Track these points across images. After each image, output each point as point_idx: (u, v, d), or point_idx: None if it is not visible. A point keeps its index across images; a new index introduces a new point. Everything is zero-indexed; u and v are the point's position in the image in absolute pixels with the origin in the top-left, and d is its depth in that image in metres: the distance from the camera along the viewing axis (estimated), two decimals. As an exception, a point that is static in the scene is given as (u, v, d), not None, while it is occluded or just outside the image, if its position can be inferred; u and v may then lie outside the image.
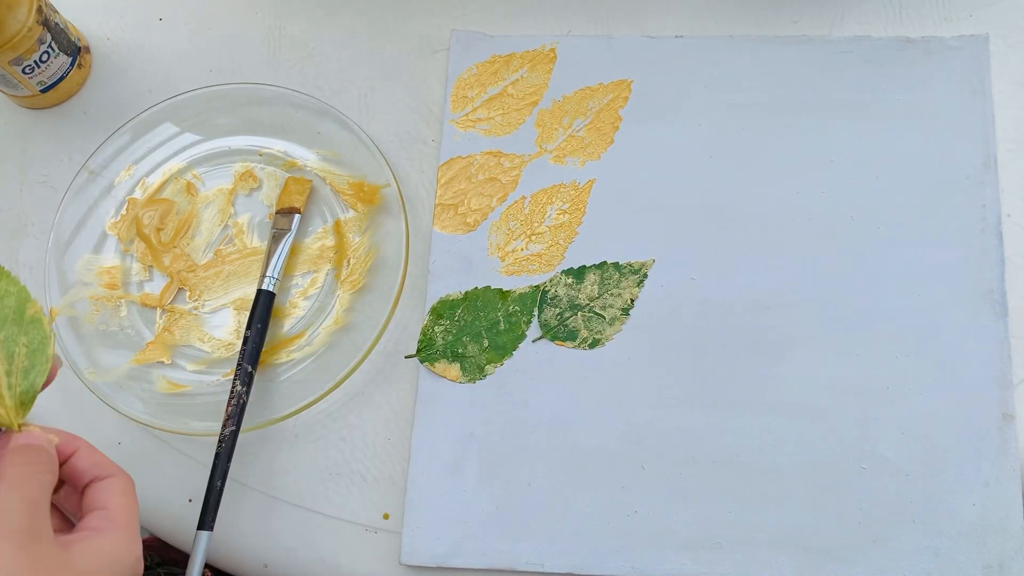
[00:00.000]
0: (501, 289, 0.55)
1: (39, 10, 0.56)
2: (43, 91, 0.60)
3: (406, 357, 0.54)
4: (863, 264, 0.53)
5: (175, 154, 0.59)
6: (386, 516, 0.52)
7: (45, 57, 0.58)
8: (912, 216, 0.54)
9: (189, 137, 0.59)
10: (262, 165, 0.59)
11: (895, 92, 0.56)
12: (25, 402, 0.39)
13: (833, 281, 0.53)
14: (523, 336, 0.54)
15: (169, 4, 0.63)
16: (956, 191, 0.54)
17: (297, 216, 0.56)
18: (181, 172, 0.59)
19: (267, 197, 0.58)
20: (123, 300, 0.57)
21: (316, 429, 0.54)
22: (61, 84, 0.60)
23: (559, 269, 0.55)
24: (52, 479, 0.37)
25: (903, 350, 0.52)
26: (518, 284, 0.55)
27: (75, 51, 0.60)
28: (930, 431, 0.50)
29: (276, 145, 0.59)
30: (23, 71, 0.57)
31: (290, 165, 0.58)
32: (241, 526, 0.53)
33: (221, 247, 0.58)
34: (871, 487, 0.50)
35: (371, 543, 0.52)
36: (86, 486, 0.39)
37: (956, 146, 0.55)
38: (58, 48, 0.58)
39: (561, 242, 0.56)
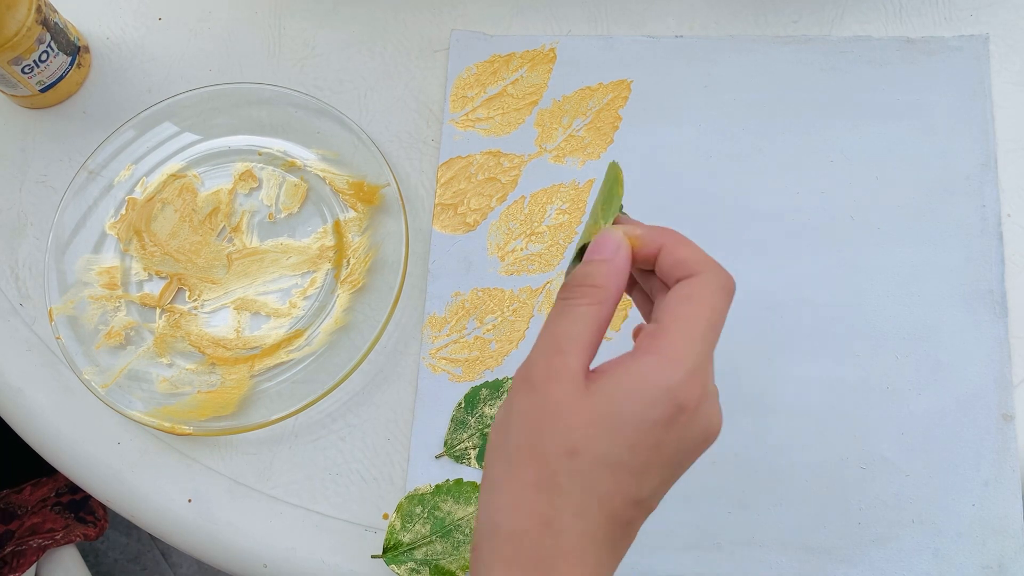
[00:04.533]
0: (474, 482, 0.52)
1: (38, 10, 0.56)
2: (42, 91, 0.60)
3: (372, 557, 0.51)
4: (863, 264, 0.53)
5: (175, 154, 0.59)
6: (386, 516, 0.52)
7: (44, 57, 0.57)
8: (912, 216, 0.54)
9: (189, 137, 0.59)
10: (262, 165, 0.59)
11: (895, 92, 0.56)
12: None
13: (833, 281, 0.53)
14: None
15: (169, 4, 0.63)
16: (956, 191, 0.54)
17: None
18: (181, 172, 0.59)
19: (267, 197, 0.58)
20: (123, 300, 0.57)
21: (316, 429, 0.54)
22: (60, 84, 0.60)
23: (559, 269, 0.55)
24: (597, 311, 0.32)
25: (903, 350, 0.52)
26: (518, 284, 0.55)
27: (74, 51, 0.60)
28: (930, 431, 0.50)
29: (276, 145, 0.59)
30: (22, 71, 0.57)
31: (290, 165, 0.58)
32: (241, 526, 0.53)
33: (221, 247, 0.58)
34: (871, 487, 0.50)
35: (371, 543, 0.52)
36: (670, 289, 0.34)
37: (956, 146, 0.55)
38: (57, 48, 0.58)
39: (561, 242, 0.56)
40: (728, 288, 0.33)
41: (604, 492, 0.29)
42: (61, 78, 0.60)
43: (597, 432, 0.29)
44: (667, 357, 0.30)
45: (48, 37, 0.57)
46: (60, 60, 0.59)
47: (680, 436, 0.30)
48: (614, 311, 0.33)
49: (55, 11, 0.58)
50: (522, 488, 0.29)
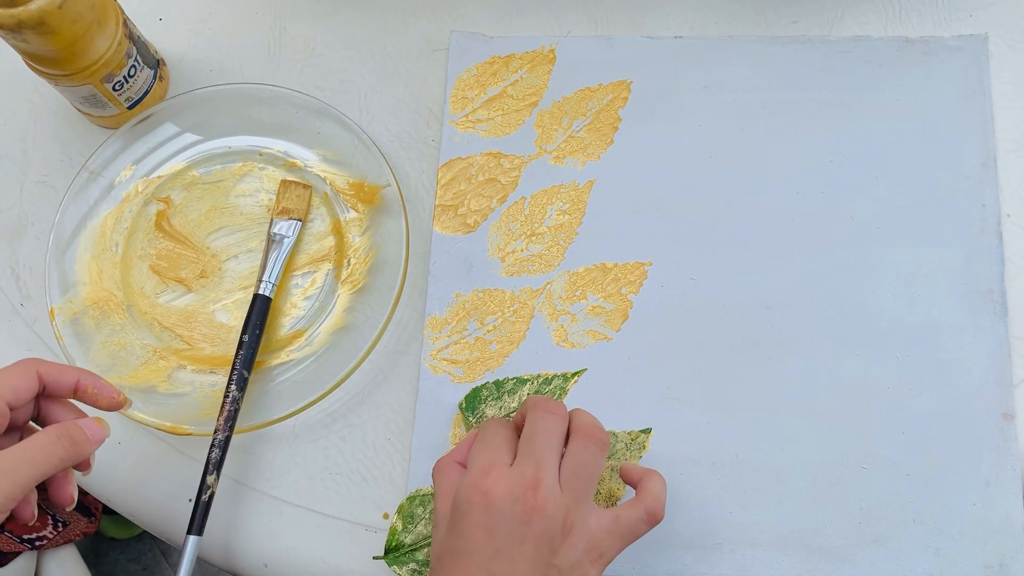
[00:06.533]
0: None
1: (124, 23, 0.55)
2: (130, 107, 0.58)
3: (374, 558, 0.51)
4: (863, 264, 0.54)
5: (175, 154, 0.59)
6: (386, 516, 0.52)
7: (132, 72, 0.56)
8: (912, 216, 0.54)
9: (189, 137, 0.59)
10: (263, 165, 0.59)
11: (895, 92, 0.56)
12: None
13: (833, 281, 0.53)
14: None
15: (169, 4, 0.63)
16: (956, 191, 0.54)
17: (298, 223, 0.56)
18: (181, 172, 0.59)
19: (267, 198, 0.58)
20: (123, 300, 0.57)
21: (316, 429, 0.54)
22: (145, 99, 0.59)
23: (559, 269, 0.55)
24: None
25: (903, 350, 0.52)
26: (519, 285, 0.55)
27: (155, 64, 0.59)
28: (930, 431, 0.50)
29: (276, 145, 0.59)
30: (113, 88, 0.56)
31: (290, 165, 0.58)
32: (241, 526, 0.53)
33: (221, 247, 0.58)
34: (872, 487, 0.50)
35: (371, 543, 0.52)
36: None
37: (956, 146, 0.55)
38: (143, 61, 0.57)
39: (561, 243, 0.56)
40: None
41: None
42: (147, 93, 0.59)
43: None
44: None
45: (135, 51, 0.56)
46: (145, 74, 0.57)
47: None
48: None
49: (135, 24, 0.57)
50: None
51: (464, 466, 0.46)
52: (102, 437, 0.45)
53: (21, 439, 0.44)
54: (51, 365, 0.45)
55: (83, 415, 0.46)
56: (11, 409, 0.43)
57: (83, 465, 0.45)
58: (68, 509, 0.46)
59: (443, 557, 0.43)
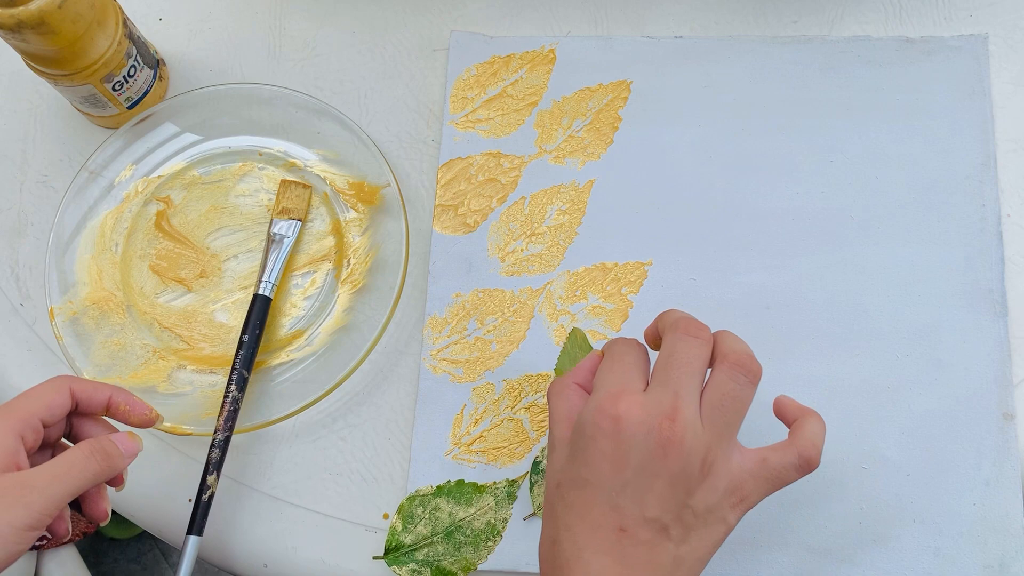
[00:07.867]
0: (476, 483, 0.51)
1: (124, 23, 0.55)
2: (130, 107, 0.58)
3: (374, 558, 0.51)
4: (863, 264, 0.54)
5: (175, 154, 0.59)
6: (386, 516, 0.52)
7: (132, 72, 0.56)
8: (912, 216, 0.54)
9: (189, 137, 0.59)
10: (262, 165, 0.59)
11: (895, 92, 0.56)
12: None
13: (833, 281, 0.53)
14: (499, 536, 0.50)
15: (169, 4, 0.63)
16: (956, 191, 0.54)
17: (297, 223, 0.56)
18: (181, 172, 0.59)
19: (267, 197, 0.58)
20: (123, 300, 0.57)
21: (316, 429, 0.54)
22: (145, 99, 0.59)
23: (559, 269, 0.55)
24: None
25: (903, 350, 0.52)
26: (519, 285, 0.55)
27: (155, 64, 0.59)
28: (930, 431, 0.50)
29: (276, 145, 0.59)
30: (113, 88, 0.56)
31: (290, 165, 0.58)
32: (241, 526, 0.53)
33: (221, 247, 0.58)
34: (872, 487, 0.50)
35: (371, 543, 0.52)
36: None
37: (956, 146, 0.55)
38: (142, 61, 0.57)
39: (561, 242, 0.56)
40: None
41: None
42: (146, 93, 0.59)
43: None
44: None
45: (135, 51, 0.56)
46: (145, 74, 0.58)
47: None
48: None
49: (134, 25, 0.57)
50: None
51: (585, 389, 0.42)
52: (135, 451, 0.45)
53: (53, 456, 0.44)
54: (84, 382, 0.45)
55: (115, 431, 0.46)
56: (45, 426, 0.43)
57: (116, 480, 0.45)
58: (103, 524, 0.46)
59: (563, 485, 0.39)
